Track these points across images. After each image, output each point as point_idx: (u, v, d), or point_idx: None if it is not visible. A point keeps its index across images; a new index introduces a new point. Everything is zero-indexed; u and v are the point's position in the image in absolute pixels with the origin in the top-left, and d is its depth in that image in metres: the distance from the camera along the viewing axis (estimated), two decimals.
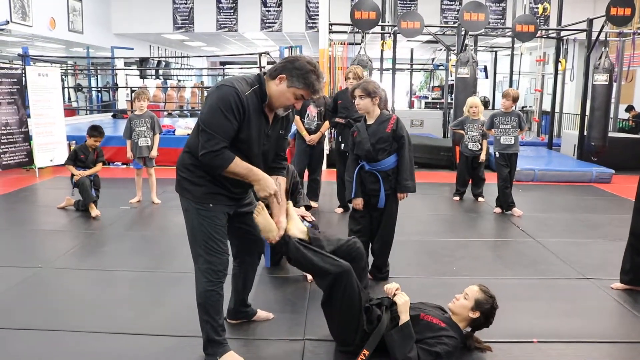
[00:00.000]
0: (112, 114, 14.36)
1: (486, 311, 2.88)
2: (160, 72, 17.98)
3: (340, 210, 6.10)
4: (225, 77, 2.72)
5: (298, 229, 2.93)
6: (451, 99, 10.89)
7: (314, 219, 4.23)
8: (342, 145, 5.78)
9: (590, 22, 9.91)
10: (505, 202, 6.19)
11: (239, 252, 3.01)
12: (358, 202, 3.99)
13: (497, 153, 6.24)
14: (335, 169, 6.30)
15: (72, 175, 5.97)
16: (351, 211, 4.15)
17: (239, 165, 2.55)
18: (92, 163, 6.04)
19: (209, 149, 2.49)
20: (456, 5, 13.91)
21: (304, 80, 2.57)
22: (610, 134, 9.98)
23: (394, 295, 2.88)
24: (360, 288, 2.81)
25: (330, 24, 9.67)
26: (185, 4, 14.95)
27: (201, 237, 2.66)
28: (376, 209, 3.99)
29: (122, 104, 14.44)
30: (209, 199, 2.64)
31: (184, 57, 20.34)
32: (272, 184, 2.65)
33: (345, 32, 11.47)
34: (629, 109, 13.15)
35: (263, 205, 2.85)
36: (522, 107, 16.19)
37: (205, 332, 2.77)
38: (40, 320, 3.30)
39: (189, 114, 16.09)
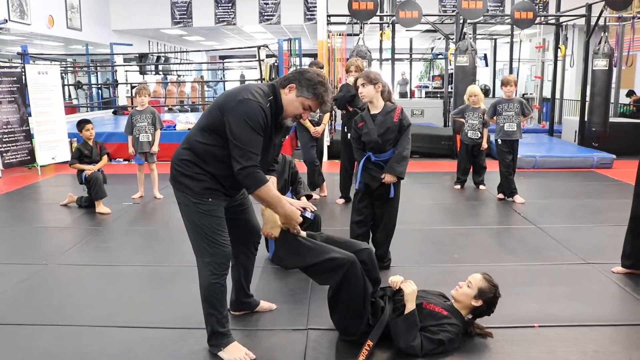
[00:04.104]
0: (112, 110, 14.37)
1: (489, 300, 2.90)
2: (160, 67, 17.97)
3: (342, 201, 6.12)
4: (242, 86, 2.72)
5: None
6: (451, 88, 10.87)
7: (315, 208, 4.24)
8: (348, 134, 5.78)
9: (589, 7, 9.87)
10: (508, 188, 6.20)
11: (234, 243, 3.01)
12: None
13: (499, 140, 6.23)
14: (338, 160, 6.30)
15: (79, 172, 5.96)
16: (354, 202, 4.17)
17: (269, 191, 2.61)
18: (98, 157, 6.06)
19: (244, 164, 2.52)
20: None
21: (313, 90, 2.64)
22: (611, 119, 9.96)
23: (401, 283, 2.90)
24: (365, 278, 2.83)
25: (329, 16, 9.66)
26: None
27: (203, 231, 2.68)
28: (378, 198, 4.02)
29: (122, 100, 14.44)
30: (207, 194, 2.66)
31: (183, 52, 20.31)
32: (296, 215, 2.74)
33: (343, 24, 11.47)
34: (630, 93, 13.11)
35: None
36: (523, 94, 16.15)
37: (210, 325, 2.80)
38: (46, 315, 3.34)
39: (189, 108, 16.09)
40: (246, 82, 2.70)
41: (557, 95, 12.11)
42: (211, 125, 2.62)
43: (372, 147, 3.93)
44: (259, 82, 10.66)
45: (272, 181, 2.91)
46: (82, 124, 6.02)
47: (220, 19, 15.12)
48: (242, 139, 2.53)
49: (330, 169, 7.59)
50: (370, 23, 10.28)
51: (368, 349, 2.72)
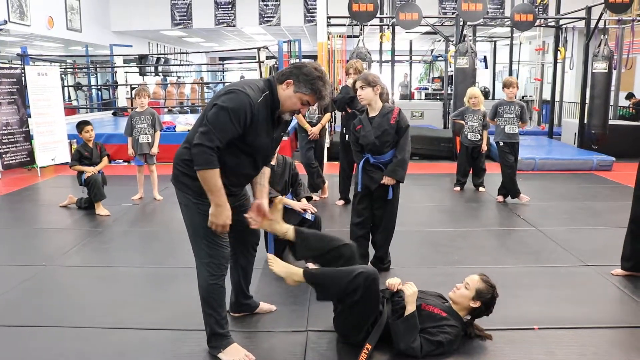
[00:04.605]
0: (112, 111, 14.36)
1: (487, 301, 2.89)
2: (160, 68, 17.97)
3: (341, 202, 6.12)
4: (237, 81, 2.69)
5: (283, 228, 3.02)
6: (451, 90, 10.89)
7: (315, 210, 4.25)
8: (347, 136, 5.78)
9: (589, 9, 9.88)
10: (512, 189, 6.18)
11: (233, 244, 3.01)
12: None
13: (501, 142, 6.22)
14: (338, 162, 6.31)
15: (79, 173, 5.96)
16: (354, 204, 4.17)
17: (215, 177, 2.52)
18: (98, 158, 6.06)
19: (204, 142, 2.48)
20: None
21: (311, 86, 2.61)
22: (611, 122, 9.98)
23: (401, 285, 2.90)
24: (380, 293, 2.82)
25: (329, 17, 9.67)
26: (183, 0, 14.94)
27: (202, 231, 2.68)
28: (378, 200, 4.02)
29: (122, 101, 14.46)
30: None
31: (183, 53, 20.33)
32: (228, 217, 2.62)
33: (343, 25, 11.47)
34: (629, 96, 13.12)
35: (273, 256, 2.96)
36: (523, 97, 16.16)
37: (208, 326, 2.79)
38: (45, 317, 3.34)
39: (189, 110, 16.10)
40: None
41: (557, 98, 12.12)
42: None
43: (370, 149, 3.94)
44: None
45: (266, 173, 2.93)
46: (81, 125, 6.02)
47: (220, 21, 15.13)
48: (215, 123, 2.50)
49: (330, 170, 7.59)
50: (370, 25, 10.28)
51: (367, 352, 2.72)
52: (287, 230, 3.03)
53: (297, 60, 12.31)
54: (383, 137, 3.87)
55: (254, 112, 2.54)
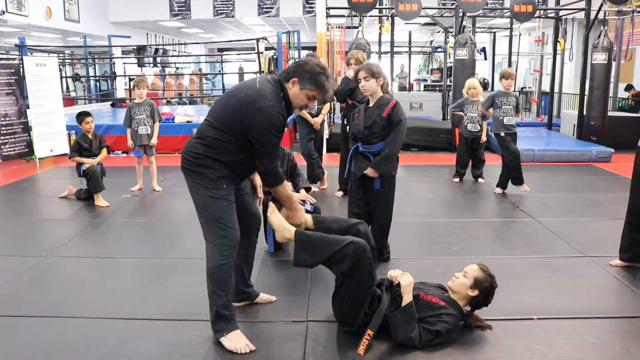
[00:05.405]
0: (110, 102, 14.32)
1: (485, 290, 2.90)
2: (158, 60, 17.91)
3: (341, 193, 6.12)
4: (255, 88, 2.66)
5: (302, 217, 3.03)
6: (450, 81, 10.86)
7: (314, 200, 4.26)
8: (347, 127, 5.78)
9: (588, 1, 9.83)
10: (518, 177, 6.12)
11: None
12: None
13: (502, 133, 6.18)
14: (337, 153, 6.30)
15: (78, 164, 5.95)
16: (351, 193, 4.18)
17: (285, 189, 2.90)
18: (97, 150, 6.05)
19: (269, 166, 2.76)
20: None
21: (315, 82, 2.74)
22: (610, 113, 9.97)
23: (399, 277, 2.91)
24: (373, 268, 2.85)
25: (328, 8, 9.64)
26: None
27: (214, 215, 2.75)
28: (372, 190, 4.01)
29: (120, 92, 14.39)
30: (221, 181, 2.74)
31: (181, 44, 20.25)
32: (303, 216, 3.00)
33: (342, 16, 11.43)
34: (629, 87, 13.09)
35: (274, 206, 3.02)
36: (522, 88, 16.16)
37: (215, 307, 2.81)
38: (45, 307, 3.34)
39: (187, 101, 16.05)
40: (257, 77, 2.70)
41: (556, 89, 12.11)
42: (226, 126, 2.71)
43: (360, 138, 3.97)
44: (259, 74, 10.66)
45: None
46: (82, 116, 6.00)
47: (219, 11, 15.06)
48: (267, 145, 2.71)
49: (329, 161, 7.59)
50: (370, 16, 10.24)
51: (368, 338, 2.72)
52: (306, 219, 3.06)
53: (296, 51, 12.30)
54: (372, 128, 3.88)
55: (285, 120, 2.74)
